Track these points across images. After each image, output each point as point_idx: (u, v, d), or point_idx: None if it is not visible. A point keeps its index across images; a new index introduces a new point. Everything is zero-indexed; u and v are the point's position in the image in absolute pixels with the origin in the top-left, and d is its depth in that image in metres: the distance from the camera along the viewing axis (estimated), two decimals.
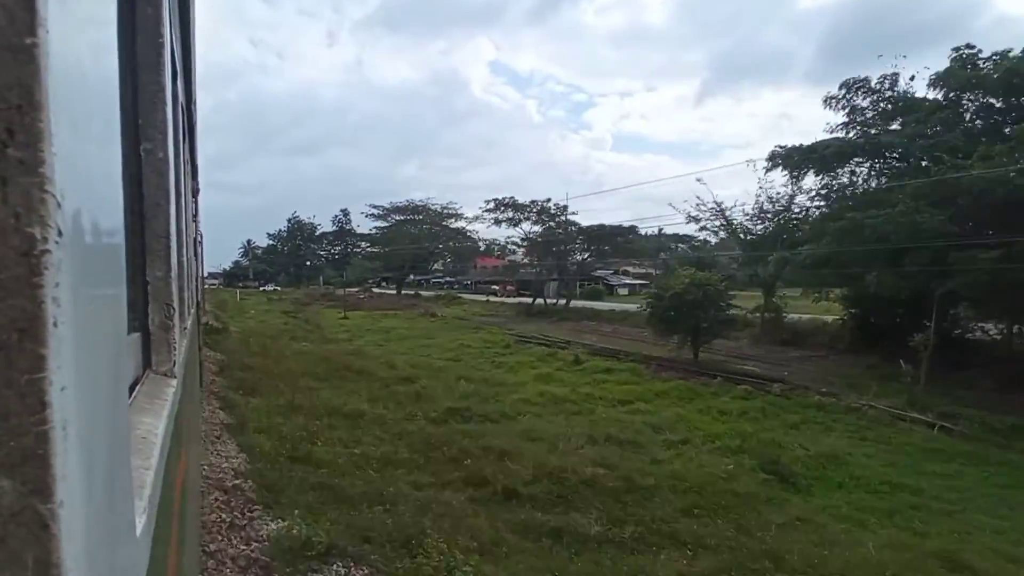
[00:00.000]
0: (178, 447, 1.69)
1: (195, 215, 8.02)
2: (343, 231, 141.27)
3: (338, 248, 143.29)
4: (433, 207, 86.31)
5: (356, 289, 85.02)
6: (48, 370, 0.42)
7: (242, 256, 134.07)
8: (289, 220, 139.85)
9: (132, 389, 1.34)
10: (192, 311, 4.23)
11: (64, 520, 0.43)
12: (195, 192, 7.40)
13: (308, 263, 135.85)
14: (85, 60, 0.56)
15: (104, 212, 0.63)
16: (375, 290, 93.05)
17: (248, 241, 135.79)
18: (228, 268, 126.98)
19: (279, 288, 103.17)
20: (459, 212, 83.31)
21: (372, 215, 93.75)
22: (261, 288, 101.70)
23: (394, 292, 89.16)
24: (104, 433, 0.59)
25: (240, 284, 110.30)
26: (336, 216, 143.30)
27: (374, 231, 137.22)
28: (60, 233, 0.43)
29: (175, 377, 1.73)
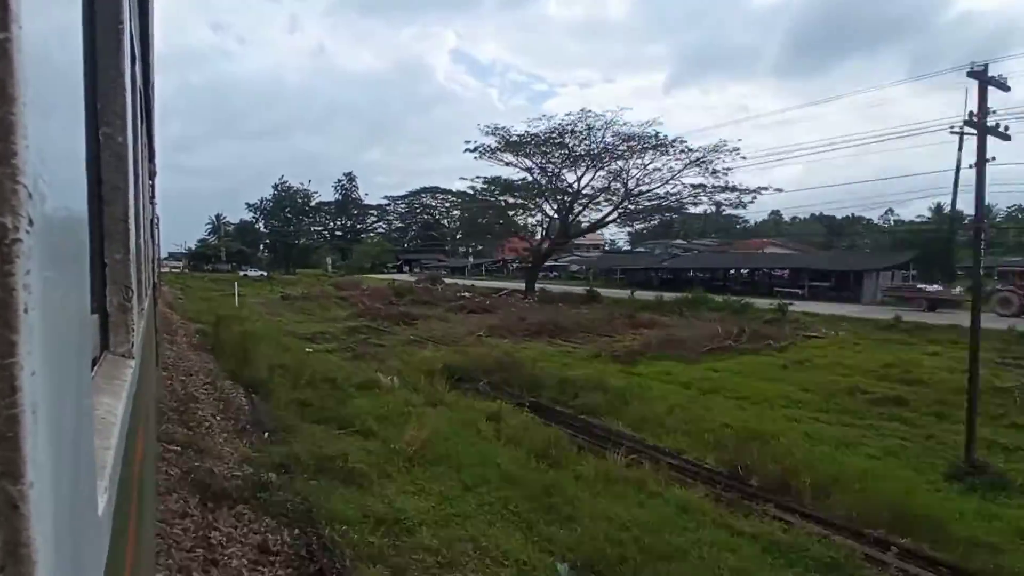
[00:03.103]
0: (136, 426, 1.65)
1: (152, 197, 7.73)
2: (348, 201, 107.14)
3: (340, 223, 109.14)
4: (621, 126, 42.14)
5: (416, 279, 56.46)
6: (18, 355, 0.41)
7: (210, 234, 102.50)
8: (275, 186, 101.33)
9: (90, 370, 1.30)
10: (149, 292, 4.10)
11: (33, 500, 0.42)
12: (152, 175, 7.12)
13: (299, 241, 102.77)
14: (53, 50, 0.55)
15: (70, 199, 0.62)
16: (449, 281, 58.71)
17: (217, 216, 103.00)
18: (193, 248, 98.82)
19: (271, 275, 73.17)
20: (663, 141, 41.86)
21: (484, 150, 45.90)
22: (242, 273, 74.08)
23: (452, 281, 56.50)
24: (70, 415, 0.58)
25: (208, 267, 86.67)
26: (339, 182, 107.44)
27: (385, 201, 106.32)
28: (31, 222, 0.42)
29: (133, 358, 1.69)
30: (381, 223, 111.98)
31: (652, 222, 49.57)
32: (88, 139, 1.29)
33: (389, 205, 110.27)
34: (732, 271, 55.74)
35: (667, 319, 29.25)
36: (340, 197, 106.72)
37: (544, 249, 50.23)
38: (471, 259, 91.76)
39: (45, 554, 0.44)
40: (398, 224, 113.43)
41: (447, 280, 58.62)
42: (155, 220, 10.13)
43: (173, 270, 77.98)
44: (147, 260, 3.66)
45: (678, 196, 44.83)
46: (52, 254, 0.51)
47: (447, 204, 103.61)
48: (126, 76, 1.49)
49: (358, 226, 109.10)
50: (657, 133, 41.93)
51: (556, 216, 48.97)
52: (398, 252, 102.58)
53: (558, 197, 47.29)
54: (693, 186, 43.25)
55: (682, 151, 41.32)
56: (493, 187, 50.45)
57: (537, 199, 49.35)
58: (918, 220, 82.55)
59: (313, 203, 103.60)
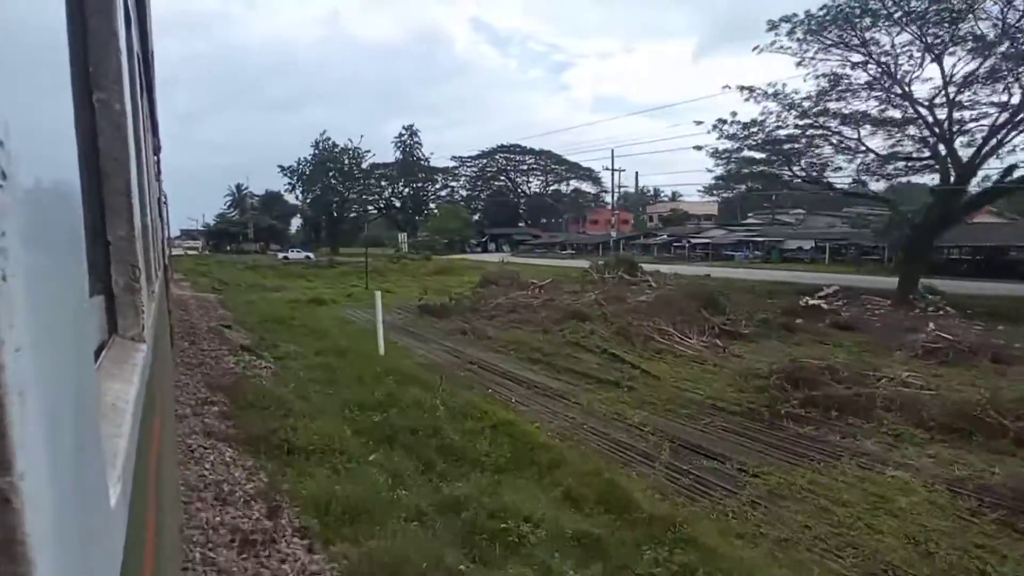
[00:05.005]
0: (151, 413, 1.64)
1: (158, 174, 7.69)
2: (410, 162, 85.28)
3: (397, 189, 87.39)
4: None
5: (591, 265, 28.92)
6: None
7: (230, 207, 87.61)
8: (316, 144, 79.83)
9: (97, 354, 1.28)
10: (159, 274, 4.12)
11: (27, 493, 0.39)
12: (156, 149, 7.05)
13: (348, 213, 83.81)
14: (26, 5, 0.52)
15: (55, 162, 0.59)
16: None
17: (238, 186, 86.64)
18: (211, 224, 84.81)
19: (330, 259, 51.37)
20: None
21: (812, 20, 23.82)
22: (282, 256, 58.79)
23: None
24: (69, 399, 0.55)
25: (231, 247, 73.18)
26: (400, 137, 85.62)
27: (454, 163, 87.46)
28: (4, 176, 0.38)
29: (144, 342, 1.66)
30: (444, 190, 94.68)
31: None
32: (81, 106, 1.25)
33: (459, 168, 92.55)
34: None
35: None
36: (401, 156, 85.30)
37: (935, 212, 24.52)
38: (614, 232, 64.58)
39: (45, 552, 0.41)
40: (462, 192, 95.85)
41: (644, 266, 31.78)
42: (162, 198, 10.18)
43: (189, 252, 64.63)
44: (156, 240, 3.67)
45: None
46: (36, 220, 0.47)
47: (524, 166, 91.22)
48: (120, 37, 1.43)
49: (421, 194, 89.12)
50: None
51: (942, 153, 24.30)
52: (477, 226, 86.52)
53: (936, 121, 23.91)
54: None
55: None
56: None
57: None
58: None
59: (365, 165, 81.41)
